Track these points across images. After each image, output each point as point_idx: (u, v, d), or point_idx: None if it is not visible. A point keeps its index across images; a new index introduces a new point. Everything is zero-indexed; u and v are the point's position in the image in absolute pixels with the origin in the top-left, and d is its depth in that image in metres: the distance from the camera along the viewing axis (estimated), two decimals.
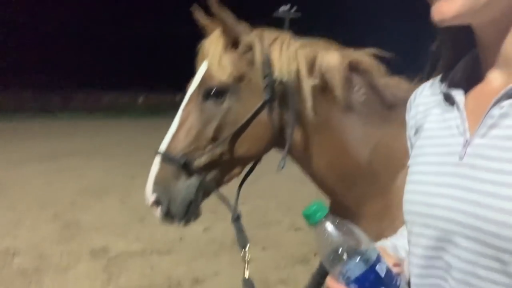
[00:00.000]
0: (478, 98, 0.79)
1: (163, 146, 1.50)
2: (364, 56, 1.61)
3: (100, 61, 36.57)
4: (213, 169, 1.52)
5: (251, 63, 1.53)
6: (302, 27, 1.70)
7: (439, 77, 0.91)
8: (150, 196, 1.48)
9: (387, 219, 1.64)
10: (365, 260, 0.76)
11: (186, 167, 1.47)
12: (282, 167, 1.51)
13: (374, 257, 0.77)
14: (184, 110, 1.53)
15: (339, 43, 1.62)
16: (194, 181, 1.50)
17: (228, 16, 1.52)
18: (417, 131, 0.94)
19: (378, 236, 1.60)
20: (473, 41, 0.81)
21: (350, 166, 1.61)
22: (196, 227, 4.58)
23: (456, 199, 0.75)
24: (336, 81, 1.51)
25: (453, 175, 0.77)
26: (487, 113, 0.74)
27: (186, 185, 1.49)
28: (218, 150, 1.50)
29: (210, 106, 1.51)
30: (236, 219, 1.58)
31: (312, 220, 0.80)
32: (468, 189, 0.73)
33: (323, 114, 1.55)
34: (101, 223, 5.45)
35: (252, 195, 5.65)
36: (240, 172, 1.61)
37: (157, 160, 1.51)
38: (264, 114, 1.51)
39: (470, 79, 0.83)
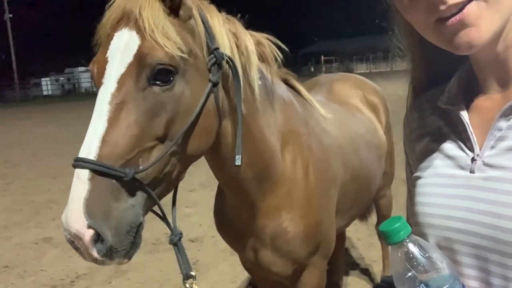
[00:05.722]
0: (481, 112, 0.82)
1: (90, 153, 1.07)
2: (265, 42, 1.57)
3: None
4: (161, 177, 1.19)
5: (193, 34, 1.28)
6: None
7: (428, 93, 0.94)
8: (83, 229, 1.02)
9: (286, 208, 1.67)
10: (451, 286, 0.68)
11: (130, 181, 1.09)
12: (240, 163, 1.36)
13: (460, 284, 0.70)
14: (113, 99, 1.12)
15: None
16: (139, 198, 1.13)
17: None
18: (417, 145, 0.94)
19: (276, 227, 1.67)
20: (445, 58, 0.84)
21: (266, 158, 1.59)
22: None
23: (472, 211, 0.76)
24: (253, 66, 1.46)
25: (466, 187, 0.78)
26: (493, 126, 0.76)
27: (130, 206, 1.11)
28: (170, 151, 1.18)
29: (155, 93, 1.15)
30: (177, 241, 1.27)
31: (394, 239, 0.70)
32: (483, 200, 0.74)
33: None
34: None
35: None
36: (183, 177, 1.32)
37: (83, 174, 1.06)
38: (211, 100, 1.29)
39: (467, 94, 0.85)
